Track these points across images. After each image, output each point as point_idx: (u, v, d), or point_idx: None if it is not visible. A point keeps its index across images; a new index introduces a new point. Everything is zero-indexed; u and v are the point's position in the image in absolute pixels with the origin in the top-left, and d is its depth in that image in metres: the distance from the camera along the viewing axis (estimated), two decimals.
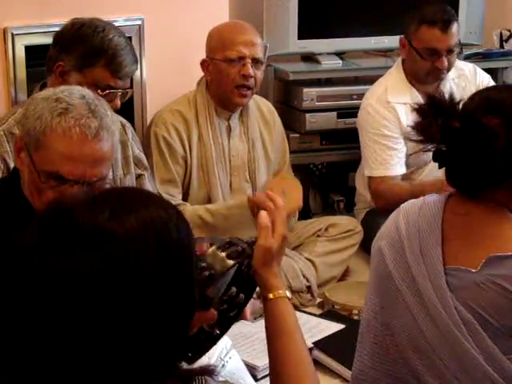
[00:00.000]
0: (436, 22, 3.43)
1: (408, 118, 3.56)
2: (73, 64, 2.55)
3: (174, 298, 1.17)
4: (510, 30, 4.31)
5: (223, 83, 3.15)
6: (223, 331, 1.50)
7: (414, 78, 3.59)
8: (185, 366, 1.22)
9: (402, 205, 1.95)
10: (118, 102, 2.57)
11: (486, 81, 3.73)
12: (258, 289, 3.34)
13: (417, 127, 1.79)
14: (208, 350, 1.49)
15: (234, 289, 1.52)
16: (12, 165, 2.53)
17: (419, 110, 1.81)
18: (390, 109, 3.53)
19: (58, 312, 1.12)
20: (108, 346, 1.12)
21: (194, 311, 1.22)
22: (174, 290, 1.17)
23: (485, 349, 1.72)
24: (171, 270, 1.16)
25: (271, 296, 1.61)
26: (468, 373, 1.74)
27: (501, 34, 4.30)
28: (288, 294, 1.63)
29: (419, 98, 3.58)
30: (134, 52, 2.65)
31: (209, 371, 1.21)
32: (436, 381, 1.77)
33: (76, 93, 1.96)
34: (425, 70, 3.50)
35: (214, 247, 1.51)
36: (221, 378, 1.22)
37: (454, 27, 3.47)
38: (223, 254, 1.51)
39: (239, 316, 1.55)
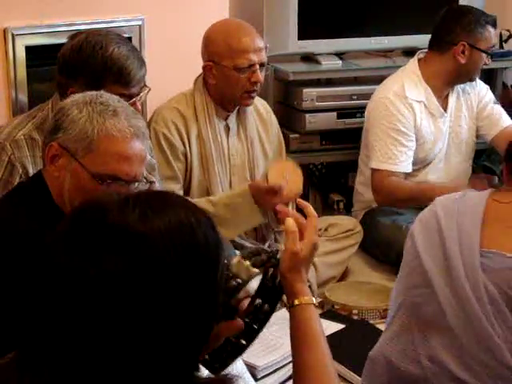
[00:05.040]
0: (494, 22, 3.62)
1: (422, 117, 3.57)
2: (83, 88, 2.52)
3: (196, 302, 1.16)
4: (509, 31, 4.31)
5: (232, 89, 3.15)
6: (248, 343, 1.50)
7: (443, 76, 3.57)
8: (203, 375, 1.22)
9: (438, 198, 1.98)
10: (139, 106, 2.57)
11: (484, 91, 3.75)
12: None
13: None
14: (233, 361, 1.49)
15: (258, 300, 1.52)
16: (31, 170, 2.53)
17: None
18: (407, 105, 3.53)
19: (78, 309, 1.12)
20: (127, 346, 1.12)
21: (216, 319, 1.22)
22: (196, 295, 1.16)
23: (508, 331, 1.74)
24: (194, 274, 1.16)
25: (297, 302, 1.60)
26: (486, 355, 1.77)
27: (500, 34, 4.30)
28: (314, 300, 1.63)
29: (434, 99, 3.57)
30: (138, 54, 2.63)
31: (228, 381, 1.21)
32: (452, 360, 1.78)
33: (110, 96, 2.01)
34: (478, 67, 3.59)
35: (238, 256, 1.51)
36: None
37: None
38: (248, 263, 1.51)
39: (263, 327, 1.55)
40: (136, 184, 1.96)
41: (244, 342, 1.49)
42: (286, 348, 2.48)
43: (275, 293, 1.59)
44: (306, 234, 1.65)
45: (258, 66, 3.13)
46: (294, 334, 1.60)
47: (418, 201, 3.35)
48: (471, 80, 3.63)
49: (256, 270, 1.52)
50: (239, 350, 1.49)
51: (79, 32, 2.63)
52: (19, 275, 1.56)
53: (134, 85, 2.55)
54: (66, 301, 1.13)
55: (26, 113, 2.78)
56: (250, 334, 1.51)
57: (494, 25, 3.57)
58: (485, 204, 1.86)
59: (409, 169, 3.54)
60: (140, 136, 1.96)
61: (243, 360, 2.29)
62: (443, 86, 3.59)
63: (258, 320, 1.52)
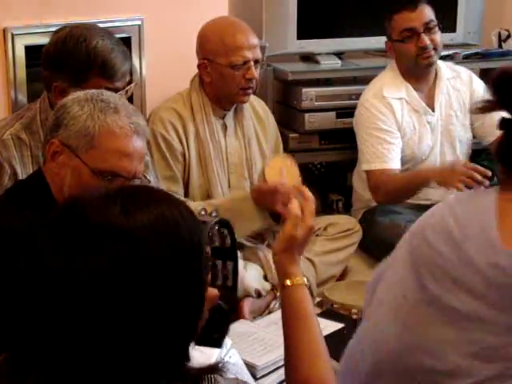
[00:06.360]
0: (402, 6, 3.56)
1: (403, 114, 3.60)
2: (67, 82, 2.53)
3: (184, 295, 1.17)
4: (508, 30, 4.32)
5: (227, 86, 3.16)
6: (230, 303, 1.51)
7: (409, 74, 3.62)
8: (193, 365, 1.22)
9: (449, 199, 1.90)
10: (125, 100, 2.57)
11: (481, 89, 3.75)
12: (256, 288, 3.34)
13: (494, 89, 1.77)
14: (228, 326, 1.49)
15: (218, 261, 1.53)
16: (19, 170, 2.53)
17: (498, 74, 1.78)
18: (386, 104, 3.57)
19: (66, 308, 1.12)
20: (117, 343, 1.13)
21: (203, 309, 1.23)
22: (184, 287, 1.17)
23: None
24: (181, 267, 1.17)
25: (289, 283, 1.62)
26: None
27: (499, 33, 4.31)
28: (305, 281, 1.64)
29: (414, 94, 3.60)
30: (123, 48, 2.61)
31: (218, 369, 1.21)
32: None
33: (111, 94, 2.04)
34: (412, 55, 3.55)
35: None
36: (231, 376, 1.22)
37: (423, 6, 3.56)
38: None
39: (237, 282, 1.56)
40: (136, 181, 1.97)
41: (225, 305, 1.49)
42: None
43: (230, 249, 1.59)
44: (304, 218, 1.67)
45: (252, 63, 3.14)
46: (285, 313, 1.62)
47: (411, 185, 3.40)
48: (426, 67, 3.59)
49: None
50: (226, 314, 1.49)
51: (64, 26, 2.63)
52: (17, 274, 1.56)
53: (118, 78, 2.55)
54: (53, 301, 1.13)
55: (15, 113, 2.78)
56: (229, 294, 1.52)
57: (406, 7, 3.54)
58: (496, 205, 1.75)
59: (399, 166, 3.56)
60: (140, 133, 1.97)
61: (243, 359, 2.29)
62: (412, 82, 3.62)
63: (228, 278, 1.53)
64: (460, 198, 1.87)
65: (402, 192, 3.50)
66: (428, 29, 3.53)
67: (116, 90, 2.53)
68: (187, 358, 1.22)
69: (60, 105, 2.02)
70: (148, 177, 2.78)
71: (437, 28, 3.55)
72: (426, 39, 3.51)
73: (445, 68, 3.71)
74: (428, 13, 3.55)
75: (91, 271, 1.12)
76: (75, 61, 2.52)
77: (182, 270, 1.17)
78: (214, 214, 1.62)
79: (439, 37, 3.56)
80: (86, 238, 1.14)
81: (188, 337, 1.21)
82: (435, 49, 3.55)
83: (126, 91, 2.61)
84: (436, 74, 3.67)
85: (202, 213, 1.62)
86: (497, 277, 1.66)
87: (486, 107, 1.81)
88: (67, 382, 1.13)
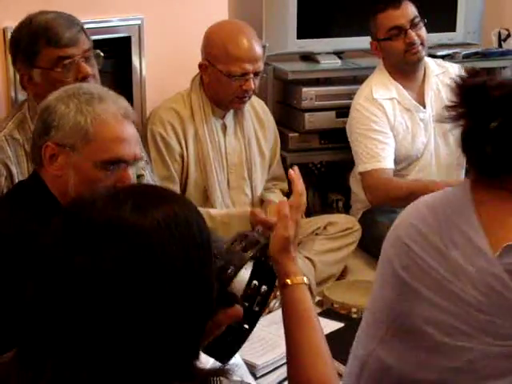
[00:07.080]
0: (386, 5, 3.58)
1: (395, 114, 3.61)
2: (25, 65, 2.58)
3: (192, 293, 1.17)
4: (508, 30, 4.32)
5: (223, 92, 3.16)
6: (251, 326, 1.50)
7: (397, 73, 3.64)
8: (200, 366, 1.22)
9: (420, 199, 1.91)
10: (86, 67, 2.55)
11: None
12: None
13: (456, 99, 1.76)
14: (240, 348, 1.49)
15: (255, 282, 1.52)
16: (14, 170, 2.53)
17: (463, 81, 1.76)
18: (377, 105, 3.59)
19: (79, 305, 1.12)
20: (127, 342, 1.13)
21: (212, 308, 1.23)
22: (195, 284, 1.17)
23: None
24: (192, 264, 1.17)
25: (289, 282, 1.63)
26: None
27: (499, 33, 4.31)
28: (305, 280, 1.65)
29: (405, 93, 3.62)
30: (69, 17, 2.63)
31: (224, 372, 1.21)
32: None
33: (92, 85, 2.06)
34: (400, 52, 3.58)
35: (227, 243, 1.52)
36: (237, 378, 1.22)
37: (406, 3, 3.59)
38: (238, 248, 1.52)
39: (265, 308, 1.55)
40: (139, 163, 1.97)
41: (247, 327, 1.49)
42: (285, 347, 2.49)
43: (271, 273, 1.59)
44: (291, 214, 1.67)
45: (252, 75, 3.13)
46: (286, 313, 1.62)
47: (413, 197, 3.36)
48: (415, 63, 3.62)
49: (248, 254, 1.52)
50: (243, 335, 1.49)
51: None
52: (22, 276, 1.57)
53: (66, 44, 2.55)
54: (66, 298, 1.13)
55: (8, 113, 2.80)
56: (252, 318, 1.51)
57: (391, 6, 3.57)
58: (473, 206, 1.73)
59: (393, 164, 3.57)
60: (130, 116, 1.98)
61: (243, 359, 2.29)
62: (401, 80, 3.63)
63: (257, 302, 1.52)
64: (431, 204, 1.85)
65: (402, 201, 3.47)
66: (414, 25, 3.56)
67: (71, 57, 2.53)
68: (197, 357, 1.22)
69: (43, 107, 1.99)
70: (145, 172, 2.80)
71: (421, 23, 3.58)
72: (413, 35, 3.54)
73: (433, 65, 3.74)
74: (412, 9, 3.59)
75: (105, 268, 1.12)
76: (23, 41, 2.58)
77: (192, 265, 1.17)
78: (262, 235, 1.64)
79: (424, 32, 3.60)
80: (99, 235, 1.14)
81: (197, 334, 1.21)
82: (422, 44, 3.59)
83: (97, 58, 2.60)
84: (425, 71, 3.69)
85: (259, 231, 1.64)
86: (494, 286, 1.62)
87: (455, 116, 1.81)
88: (80, 381, 1.13)
